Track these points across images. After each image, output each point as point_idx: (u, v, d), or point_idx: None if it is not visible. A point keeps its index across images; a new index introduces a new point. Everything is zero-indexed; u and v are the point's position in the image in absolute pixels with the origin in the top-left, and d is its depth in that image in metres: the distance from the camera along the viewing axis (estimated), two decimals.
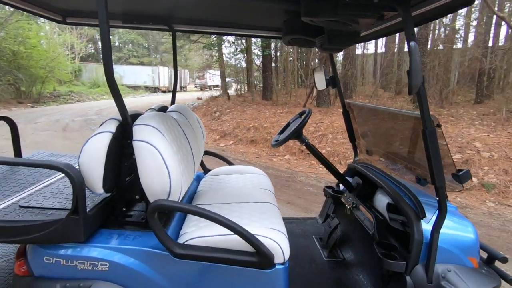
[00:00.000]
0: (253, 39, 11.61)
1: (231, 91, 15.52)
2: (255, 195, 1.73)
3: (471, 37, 15.55)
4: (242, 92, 14.31)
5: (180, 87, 28.36)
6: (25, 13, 16.62)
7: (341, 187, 2.11)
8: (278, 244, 1.23)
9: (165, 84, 26.31)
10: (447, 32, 14.68)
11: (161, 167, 1.16)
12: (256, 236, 1.18)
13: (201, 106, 12.39)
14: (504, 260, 1.33)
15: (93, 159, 1.15)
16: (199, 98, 16.94)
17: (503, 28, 12.95)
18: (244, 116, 8.85)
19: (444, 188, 1.15)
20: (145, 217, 1.33)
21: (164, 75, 26.11)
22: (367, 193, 1.78)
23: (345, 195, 1.92)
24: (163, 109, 1.86)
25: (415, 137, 1.43)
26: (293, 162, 5.76)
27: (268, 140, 6.82)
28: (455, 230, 1.35)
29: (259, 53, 12.35)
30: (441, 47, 13.15)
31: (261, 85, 12.69)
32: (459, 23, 14.47)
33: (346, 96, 11.66)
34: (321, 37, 1.50)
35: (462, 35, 15.72)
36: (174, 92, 2.20)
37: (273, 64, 12.28)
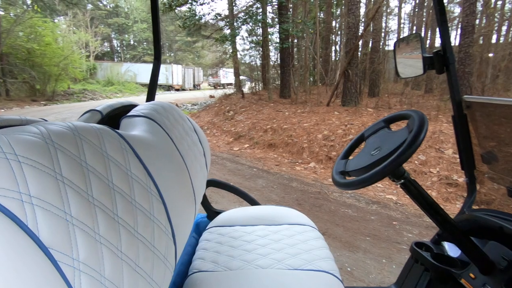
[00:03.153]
0: (270, 30, 10.69)
1: (246, 89, 14.72)
2: None
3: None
4: (258, 90, 13.42)
5: (194, 85, 27.93)
6: (39, 9, 16.54)
7: (448, 248, 1.20)
8: None
9: (179, 82, 25.93)
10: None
11: None
12: None
13: (213, 105, 11.62)
14: None
15: None
16: (211, 96, 16.24)
17: None
18: (260, 115, 7.97)
19: None
20: None
21: (177, 73, 25.71)
22: None
23: (472, 275, 1.01)
24: (125, 109, 0.99)
25: None
26: (320, 171, 4.83)
27: (289, 144, 5.90)
28: None
29: (276, 46, 11.40)
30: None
31: (278, 82, 11.76)
32: None
33: (374, 94, 10.54)
34: None
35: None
36: (153, 86, 1.26)
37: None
